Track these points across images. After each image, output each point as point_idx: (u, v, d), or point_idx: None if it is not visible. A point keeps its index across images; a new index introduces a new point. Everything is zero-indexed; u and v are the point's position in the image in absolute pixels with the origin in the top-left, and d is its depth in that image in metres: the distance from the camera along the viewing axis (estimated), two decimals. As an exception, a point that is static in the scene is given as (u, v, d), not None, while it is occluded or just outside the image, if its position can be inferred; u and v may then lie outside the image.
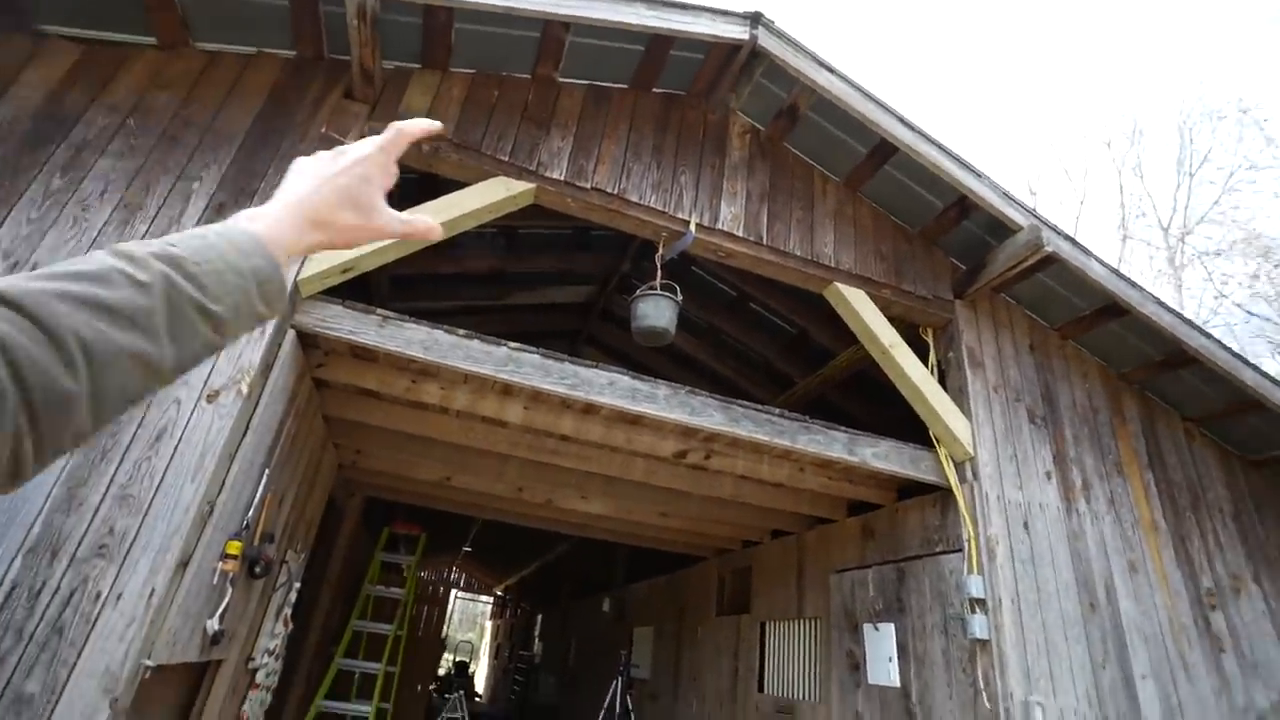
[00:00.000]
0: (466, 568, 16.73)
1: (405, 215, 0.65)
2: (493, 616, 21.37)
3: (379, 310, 2.82)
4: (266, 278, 0.54)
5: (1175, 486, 4.37)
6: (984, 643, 3.45)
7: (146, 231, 2.52)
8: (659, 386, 3.43)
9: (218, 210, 2.65)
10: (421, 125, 0.66)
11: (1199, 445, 4.63)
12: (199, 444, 2.25)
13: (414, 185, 4.27)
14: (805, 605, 5.11)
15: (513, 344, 3.13)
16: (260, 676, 3.68)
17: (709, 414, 3.51)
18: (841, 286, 3.88)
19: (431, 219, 0.66)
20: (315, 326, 2.69)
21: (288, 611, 3.84)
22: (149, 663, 2.11)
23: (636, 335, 3.49)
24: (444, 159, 3.20)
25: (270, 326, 2.49)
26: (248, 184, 2.75)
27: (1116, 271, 4.10)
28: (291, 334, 2.66)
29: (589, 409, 3.59)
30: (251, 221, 0.56)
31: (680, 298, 3.52)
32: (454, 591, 17.04)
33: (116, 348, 0.44)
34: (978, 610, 3.51)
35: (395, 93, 3.21)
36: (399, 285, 5.26)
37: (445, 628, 16.21)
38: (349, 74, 3.07)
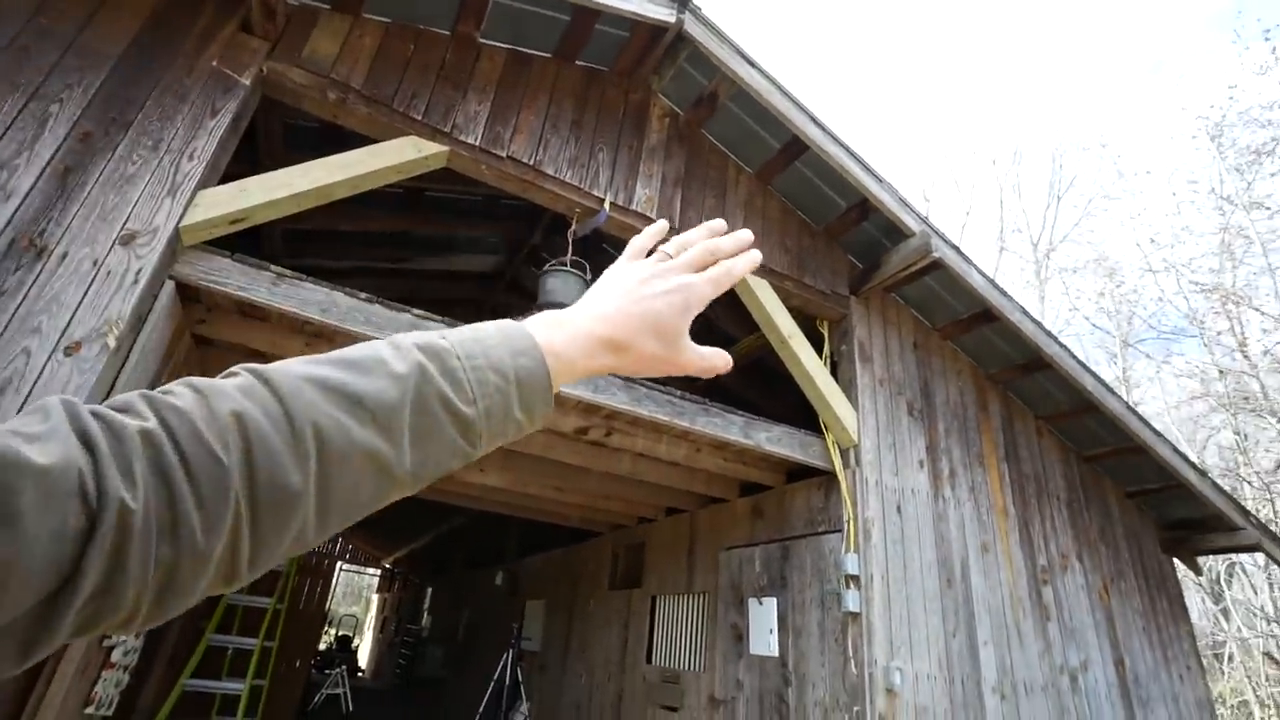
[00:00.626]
0: (353, 539, 16.09)
1: (705, 351, 0.58)
2: (380, 590, 20.73)
3: (272, 267, 2.63)
4: (530, 381, 0.48)
5: (1025, 477, 4.88)
6: (855, 615, 3.75)
7: (-8, 158, 2.22)
8: (566, 363, 3.44)
9: (82, 139, 2.37)
10: (753, 260, 0.60)
11: (1046, 441, 5.19)
12: (54, 401, 2.03)
13: (317, 135, 4.01)
14: (695, 580, 5.31)
15: (417, 310, 3.02)
16: (116, 655, 3.40)
17: (612, 392, 3.56)
18: (747, 276, 4.01)
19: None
20: (199, 279, 2.48)
21: (152, 584, 3.57)
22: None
23: (543, 309, 3.48)
24: (352, 111, 3.02)
25: (145, 273, 2.28)
26: (121, 114, 2.47)
27: (993, 282, 4.49)
28: (170, 285, 2.44)
29: (493, 382, 3.54)
30: (543, 331, 0.51)
31: (589, 276, 3.52)
32: (339, 564, 16.38)
33: (351, 444, 0.39)
34: (852, 586, 3.80)
35: (299, 33, 2.98)
36: (293, 239, 4.92)
37: (329, 601, 15.58)
38: (246, 5, 2.81)
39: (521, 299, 6.82)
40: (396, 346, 0.44)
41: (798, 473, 4.48)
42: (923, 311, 4.87)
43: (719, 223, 0.61)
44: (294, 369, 0.40)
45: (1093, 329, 16.42)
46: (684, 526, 5.66)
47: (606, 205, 3.59)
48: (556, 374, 0.50)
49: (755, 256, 0.60)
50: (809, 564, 4.21)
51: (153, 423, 0.35)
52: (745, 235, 0.60)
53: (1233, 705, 11.24)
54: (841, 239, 4.61)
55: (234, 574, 0.37)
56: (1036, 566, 4.59)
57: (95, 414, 0.34)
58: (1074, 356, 4.71)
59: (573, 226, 3.65)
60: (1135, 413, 4.96)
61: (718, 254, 0.59)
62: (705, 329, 5.82)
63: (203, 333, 2.87)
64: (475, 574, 11.49)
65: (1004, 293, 4.51)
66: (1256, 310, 12.08)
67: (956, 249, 4.34)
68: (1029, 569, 4.54)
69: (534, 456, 4.58)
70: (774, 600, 4.38)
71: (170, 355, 2.69)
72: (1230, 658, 11.91)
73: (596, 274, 4.40)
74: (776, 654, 4.23)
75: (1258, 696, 11.06)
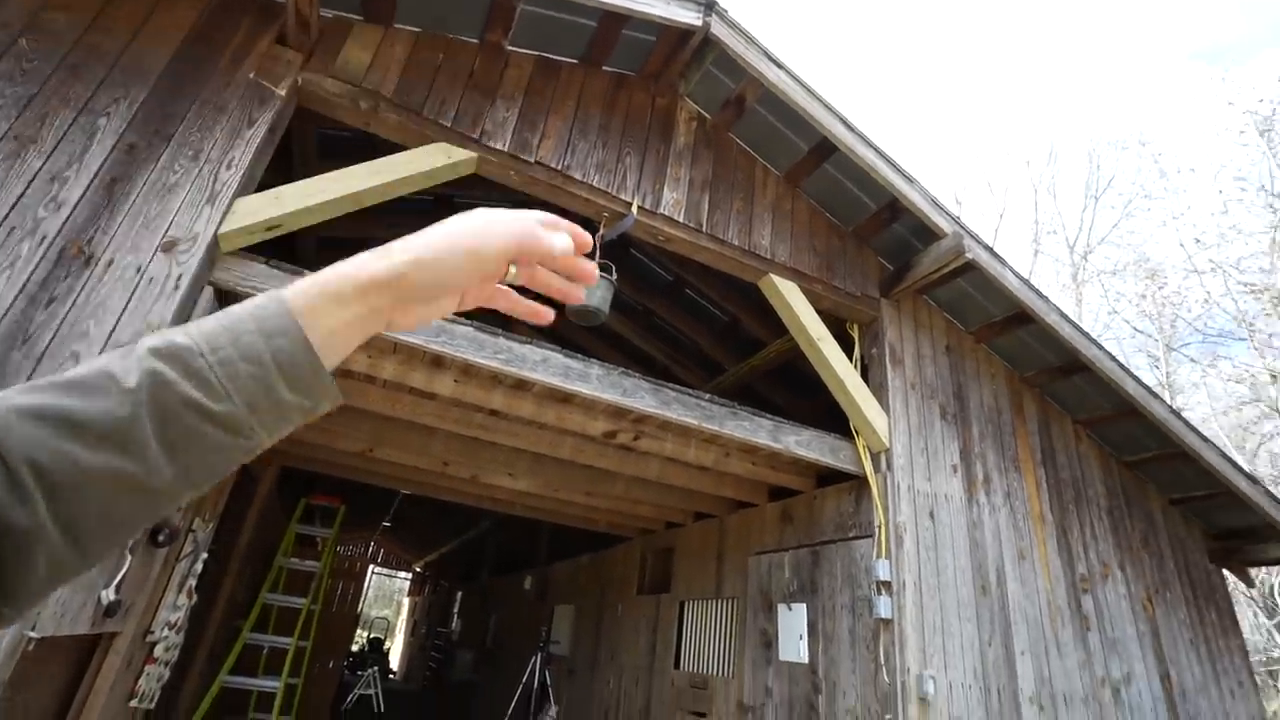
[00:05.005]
0: (385, 543, 16.32)
1: (556, 219, 0.54)
2: (411, 593, 21.00)
3: (306, 272, 2.69)
4: (296, 368, 0.44)
5: (1062, 483, 4.75)
6: (887, 622, 3.68)
7: (41, 168, 2.31)
8: (592, 366, 3.45)
9: (127, 150, 2.46)
10: (579, 236, 0.57)
11: (1084, 446, 5.04)
12: (100, 403, 2.10)
13: (349, 144, 4.10)
14: (724, 585, 5.27)
15: (472, 321, 3.06)
16: (159, 650, 3.50)
17: (641, 396, 3.56)
18: (775, 278, 3.99)
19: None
20: (236, 284, 2.55)
21: (192, 583, 3.67)
22: (33, 634, 1.98)
23: (570, 314, 3.48)
24: (383, 119, 3.08)
25: (186, 279, 2.35)
26: (163, 126, 2.56)
27: (1028, 283, 4.39)
28: (209, 291, 2.52)
29: (521, 385, 3.57)
30: (306, 296, 0.47)
31: (615, 278, 3.53)
32: (371, 567, 16.63)
33: (82, 471, 0.37)
34: (883, 592, 3.73)
35: (333, 44, 3.06)
36: (327, 247, 5.04)
37: (361, 604, 15.83)
38: (283, 18, 2.89)
39: (553, 305, 6.86)
40: (126, 355, 0.41)
41: (828, 477, 4.42)
42: (955, 314, 4.78)
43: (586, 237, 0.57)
44: (8, 402, 0.37)
45: (1133, 333, 15.95)
46: (713, 531, 5.63)
47: (634, 209, 3.60)
48: (327, 349, 0.45)
49: (568, 242, 0.56)
50: (839, 570, 4.15)
51: None
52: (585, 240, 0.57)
53: (1288, 724, 10.75)
54: (872, 241, 4.55)
55: None
56: (1075, 574, 4.45)
57: None
58: (1113, 358, 4.57)
59: (600, 230, 3.66)
60: (1180, 416, 4.79)
61: (580, 240, 0.55)
62: (732, 332, 5.80)
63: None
64: (504, 579, 11.57)
65: (1040, 293, 4.40)
66: (1309, 311, 11.61)
67: (990, 249, 4.25)
68: (1067, 577, 4.41)
69: (564, 461, 4.60)
70: (804, 606, 4.32)
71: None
72: (1285, 675, 11.42)
73: (624, 276, 4.42)
74: (806, 660, 4.18)
75: (1314, 715, 10.61)
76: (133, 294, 2.27)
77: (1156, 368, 15.20)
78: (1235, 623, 5.23)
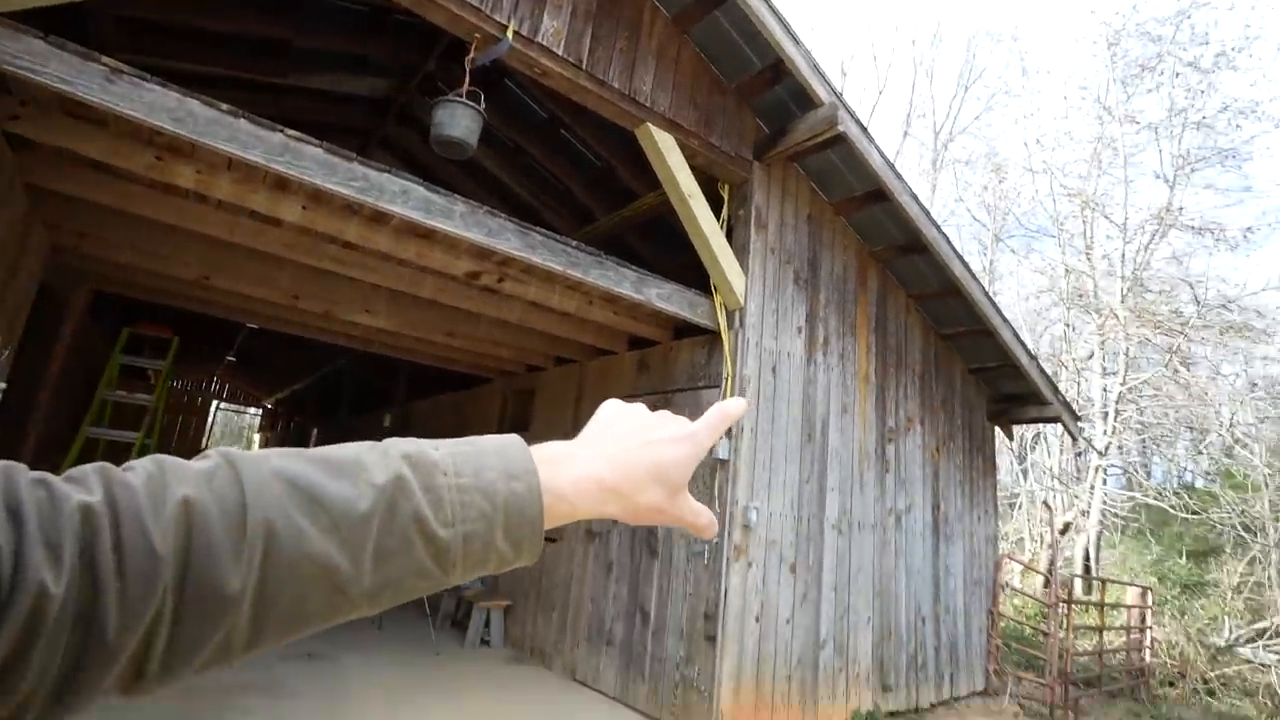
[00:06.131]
0: (231, 378, 15.36)
1: (699, 508, 0.52)
2: (262, 429, 20.25)
3: (104, 58, 2.24)
4: (520, 516, 0.43)
5: (888, 349, 5.36)
6: (724, 462, 4.13)
7: None
8: (456, 202, 3.28)
9: None
10: (740, 407, 0.56)
11: (911, 318, 5.67)
12: None
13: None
14: (581, 427, 5.56)
15: (291, 131, 2.73)
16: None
17: (506, 237, 3.47)
18: (653, 128, 3.89)
19: (709, 516, 0.54)
20: (3, 63, 2.07)
21: (-9, 410, 3.30)
22: None
23: (434, 144, 3.23)
24: None
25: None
26: None
27: (889, 163, 4.62)
28: (-31, 66, 2.04)
29: (378, 217, 3.34)
30: (548, 465, 0.45)
31: (483, 108, 3.27)
32: (216, 402, 15.70)
33: (303, 553, 0.36)
34: (724, 436, 4.15)
35: None
36: (131, 31, 4.18)
37: (205, 440, 15.06)
38: None
39: (413, 132, 6.28)
40: (384, 453, 0.41)
41: (684, 330, 4.67)
42: (821, 184, 4.98)
43: (740, 403, 0.58)
44: (270, 461, 0.38)
45: (972, 221, 17.53)
46: (573, 376, 5.84)
47: (510, 34, 3.28)
48: (553, 513, 0.45)
49: (744, 405, 0.59)
50: (687, 416, 4.51)
51: (98, 498, 0.33)
52: (744, 404, 0.59)
53: (1013, 541, 13.80)
54: (752, 101, 4.51)
55: (142, 673, 0.34)
56: (885, 427, 5.18)
57: (39, 482, 0.32)
58: (949, 242, 5.05)
59: (471, 54, 3.32)
60: (990, 300, 5.47)
61: (727, 415, 0.56)
62: (605, 180, 5.67)
63: (18, 130, 2.46)
64: (363, 416, 11.43)
65: (898, 175, 4.67)
66: (1107, 218, 13.27)
67: (861, 125, 4.38)
68: (879, 429, 5.12)
69: (423, 300, 4.46)
70: (653, 448, 4.71)
71: (-18, 153, 2.30)
72: (1020, 506, 14.38)
73: (496, 109, 4.10)
74: (651, 494, 4.63)
75: (1030, 533, 13.69)
76: None
77: (984, 254, 16.96)
78: (994, 467, 6.43)
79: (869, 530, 4.89)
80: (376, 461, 0.40)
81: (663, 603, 4.32)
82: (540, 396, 6.31)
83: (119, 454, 6.38)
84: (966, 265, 5.23)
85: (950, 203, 18.25)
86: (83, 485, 0.33)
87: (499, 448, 0.45)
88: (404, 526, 0.39)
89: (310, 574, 0.36)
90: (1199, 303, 12.03)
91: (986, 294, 5.45)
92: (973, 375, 6.29)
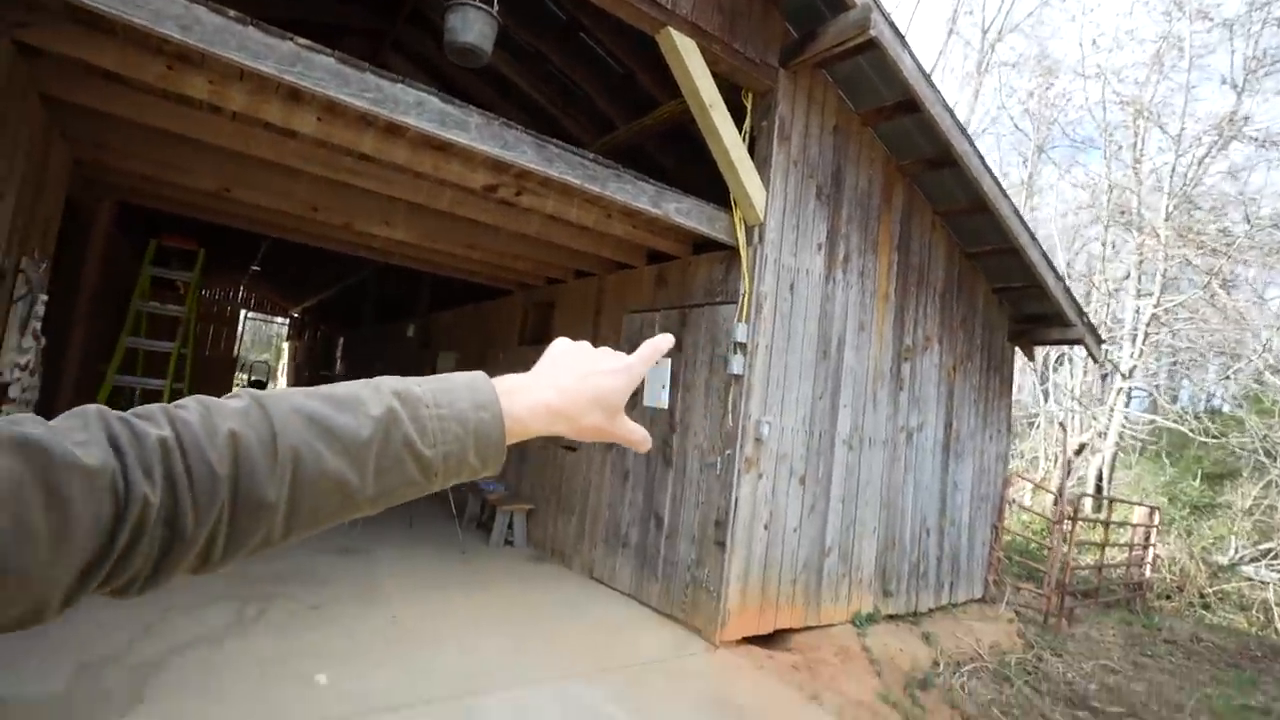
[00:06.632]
0: (258, 288, 15.64)
1: (633, 426, 0.63)
2: (290, 338, 20.78)
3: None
4: (487, 438, 0.53)
5: (910, 267, 5.28)
6: (739, 377, 4.20)
7: None
8: (471, 114, 3.21)
9: None
10: (668, 341, 0.66)
11: (936, 235, 5.53)
12: None
13: None
14: (599, 340, 5.63)
15: (302, 40, 2.66)
16: (14, 391, 3.39)
17: (522, 149, 3.41)
18: (674, 32, 3.71)
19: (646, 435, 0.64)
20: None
21: (36, 325, 3.45)
22: None
23: (448, 51, 3.14)
24: None
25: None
26: None
27: (923, 71, 4.37)
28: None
29: (393, 129, 3.29)
30: (508, 395, 0.56)
31: (497, 10, 3.15)
32: (244, 312, 16.07)
33: (321, 471, 0.46)
34: (739, 352, 4.19)
35: None
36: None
37: (237, 348, 15.54)
38: None
39: (424, 34, 6.04)
40: (376, 389, 0.51)
41: (704, 245, 4.63)
42: (849, 93, 4.75)
43: (667, 338, 0.67)
44: (290, 399, 0.47)
45: (1014, 130, 16.59)
46: (591, 289, 5.88)
47: (522, -74, 3.10)
48: (511, 434, 0.55)
49: (670, 340, 0.68)
50: (703, 331, 4.57)
51: (168, 433, 0.42)
52: (670, 339, 0.68)
53: (1028, 459, 13.98)
54: (780, 2, 4.25)
55: (209, 559, 0.44)
56: (902, 345, 5.18)
57: (123, 420, 0.42)
58: (980, 157, 4.85)
59: (482, -51, 3.16)
60: (1020, 218, 5.30)
61: (656, 349, 0.65)
62: (626, 87, 5.47)
63: (27, 39, 2.44)
64: (387, 326, 11.65)
65: (930, 83, 4.43)
66: (1160, 129, 12.49)
67: (895, 29, 4.13)
68: (895, 347, 5.12)
69: (441, 212, 4.45)
70: (669, 361, 4.80)
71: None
72: (1038, 426, 14.45)
73: (513, 12, 3.93)
74: (666, 407, 4.76)
75: (1046, 453, 13.80)
76: None
77: (1025, 166, 16.20)
78: (1010, 388, 6.44)
79: (880, 446, 5.00)
80: (371, 397, 0.50)
81: (676, 509, 4.53)
82: (560, 309, 6.38)
83: (158, 362, 6.65)
84: (997, 181, 5.04)
85: (993, 110, 17.27)
86: (154, 422, 0.43)
87: (469, 383, 0.55)
88: (396, 449, 0.49)
89: (327, 487, 0.47)
90: (1250, 222, 11.48)
91: (1017, 212, 5.28)
92: (996, 295, 6.19)
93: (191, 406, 0.45)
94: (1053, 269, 5.73)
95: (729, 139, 3.97)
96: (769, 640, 4.20)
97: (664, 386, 4.80)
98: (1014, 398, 6.71)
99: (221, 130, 3.37)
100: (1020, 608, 5.93)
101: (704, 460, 4.38)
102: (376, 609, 3.93)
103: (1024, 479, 7.89)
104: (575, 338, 0.66)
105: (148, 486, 0.40)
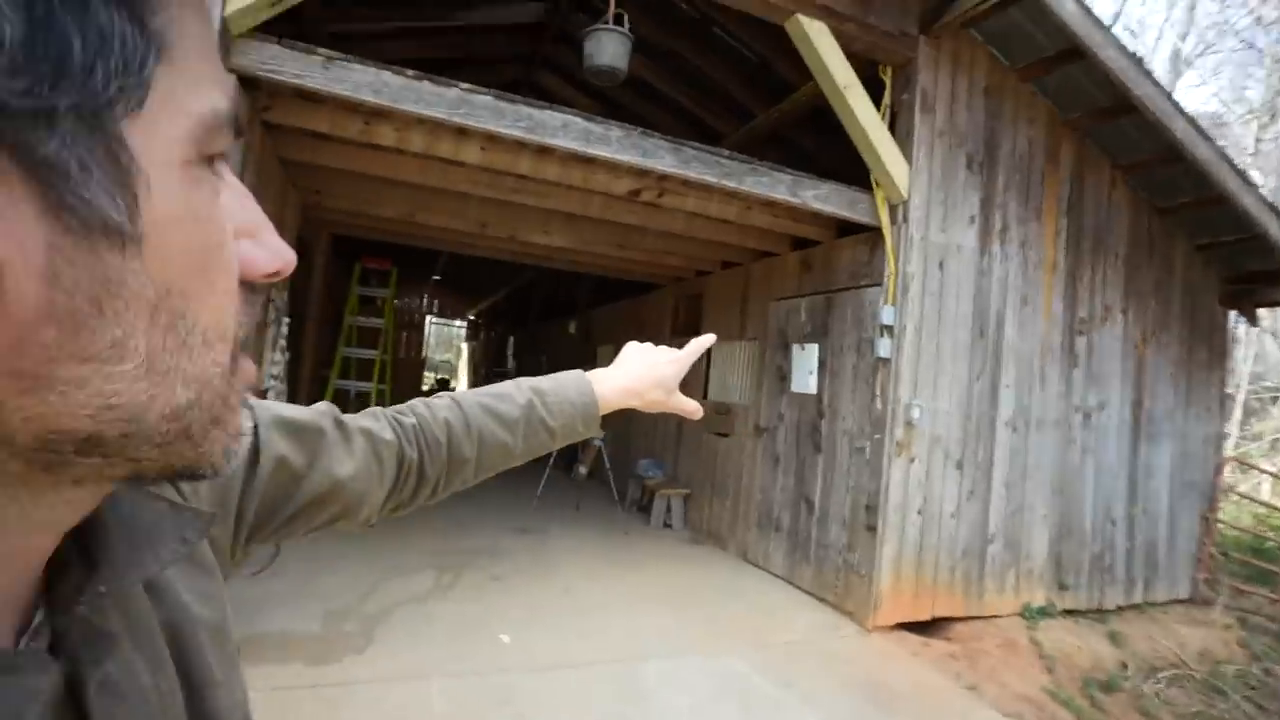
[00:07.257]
0: (439, 295, 17.47)
1: (685, 399, 0.88)
2: (468, 339, 22.94)
3: (320, 50, 2.72)
4: (588, 414, 0.79)
5: (1084, 231, 4.79)
6: (886, 361, 4.13)
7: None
8: (612, 129, 3.49)
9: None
10: (710, 339, 0.93)
11: (1117, 193, 4.96)
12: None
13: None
14: (747, 328, 5.79)
15: (464, 85, 3.09)
16: (270, 397, 4.27)
17: (660, 156, 3.63)
18: (803, 19, 3.72)
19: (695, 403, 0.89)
20: (255, 69, 2.62)
21: (282, 342, 4.29)
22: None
23: (588, 73, 3.44)
24: None
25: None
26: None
27: (1088, 10, 3.96)
28: (231, 78, 2.61)
29: (544, 150, 3.66)
30: (598, 383, 0.81)
31: (628, 29, 3.38)
32: (429, 318, 18.02)
33: (495, 439, 0.72)
34: (885, 335, 4.12)
35: None
36: (341, 41, 4.80)
37: (424, 350, 17.55)
38: None
39: (569, 50, 6.48)
40: (519, 387, 0.76)
41: (847, 227, 4.57)
42: (1002, 49, 4.42)
43: (709, 338, 0.93)
44: (473, 396, 0.73)
45: (1243, 46, 13.84)
46: (738, 279, 5.99)
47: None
48: (602, 407, 0.80)
49: (713, 336, 0.95)
50: (849, 314, 4.53)
51: (415, 421, 0.68)
52: (711, 338, 0.94)
53: (1270, 440, 11.71)
54: (918, -36, 4.07)
55: (436, 492, 0.70)
56: (1075, 318, 4.74)
57: (396, 413, 0.68)
58: (1167, 96, 4.28)
59: (613, -28, 3.41)
60: (1226, 159, 4.60)
61: (700, 345, 0.90)
62: (762, 75, 5.50)
63: (269, 119, 3.08)
64: (551, 323, 12.55)
65: (1099, 24, 4.00)
66: None
67: (1051, -29, 3.79)
68: (1066, 320, 4.70)
69: (593, 218, 4.82)
70: (815, 346, 4.81)
71: (247, 142, 2.95)
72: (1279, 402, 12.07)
73: (646, 15, 4.15)
74: (814, 392, 4.78)
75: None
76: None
77: (1262, 84, 13.51)
78: (1222, 358, 5.57)
79: (1050, 428, 4.63)
80: (517, 393, 0.76)
81: (826, 494, 4.56)
82: (708, 300, 6.57)
83: (366, 368, 7.82)
84: (1193, 121, 4.41)
85: (1218, 24, 14.46)
86: (408, 415, 0.69)
87: (575, 379, 0.81)
88: (535, 423, 0.75)
89: (497, 447, 0.72)
90: None
91: (1222, 154, 4.58)
92: (1200, 253, 5.40)
93: (421, 405, 0.72)
94: (1277, 215, 4.89)
95: (866, 120, 3.91)
96: (926, 628, 4.10)
97: (811, 372, 4.82)
98: (1249, 369, 5.78)
99: (406, 168, 3.96)
100: (1245, 613, 5.18)
101: (853, 444, 4.36)
102: (550, 581, 4.40)
103: (1251, 466, 6.72)
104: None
105: (411, 450, 0.66)
